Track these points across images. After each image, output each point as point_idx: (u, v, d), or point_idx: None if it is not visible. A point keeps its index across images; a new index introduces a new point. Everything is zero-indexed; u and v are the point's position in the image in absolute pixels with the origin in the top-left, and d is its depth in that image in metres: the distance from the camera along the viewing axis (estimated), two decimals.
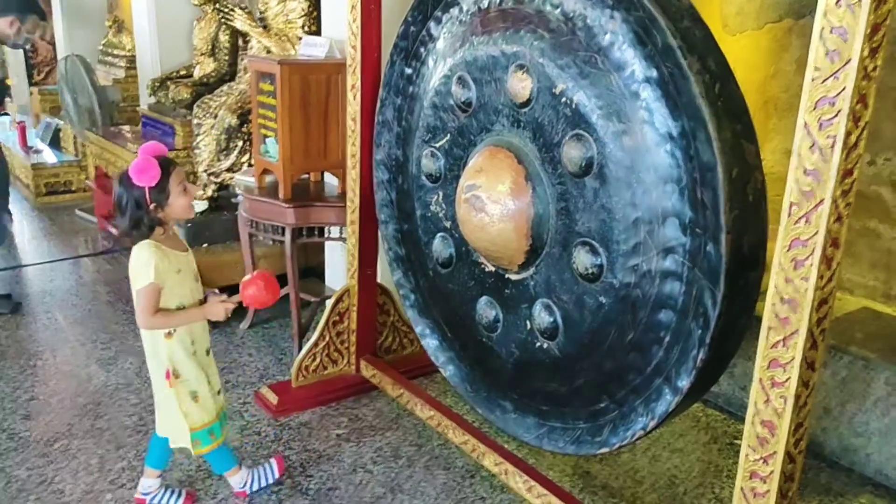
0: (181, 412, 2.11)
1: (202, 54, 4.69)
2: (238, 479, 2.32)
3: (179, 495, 2.28)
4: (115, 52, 6.47)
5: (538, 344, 2.06)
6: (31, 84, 8.27)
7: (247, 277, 2.16)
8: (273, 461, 2.41)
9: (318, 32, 3.70)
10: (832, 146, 1.31)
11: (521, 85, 1.93)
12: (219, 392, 2.23)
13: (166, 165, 1.98)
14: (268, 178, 3.30)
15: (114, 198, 2.01)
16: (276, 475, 2.39)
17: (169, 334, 2.06)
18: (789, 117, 3.05)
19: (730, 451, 2.68)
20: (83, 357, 3.26)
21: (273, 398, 2.86)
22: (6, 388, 2.98)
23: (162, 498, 2.27)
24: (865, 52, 1.26)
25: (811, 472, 2.53)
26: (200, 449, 2.17)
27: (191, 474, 2.45)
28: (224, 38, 4.50)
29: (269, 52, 3.79)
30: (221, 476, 2.35)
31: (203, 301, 2.13)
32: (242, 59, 4.33)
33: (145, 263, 1.97)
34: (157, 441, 2.22)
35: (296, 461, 2.54)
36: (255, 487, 2.34)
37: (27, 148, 6.25)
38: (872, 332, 2.61)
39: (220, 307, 2.09)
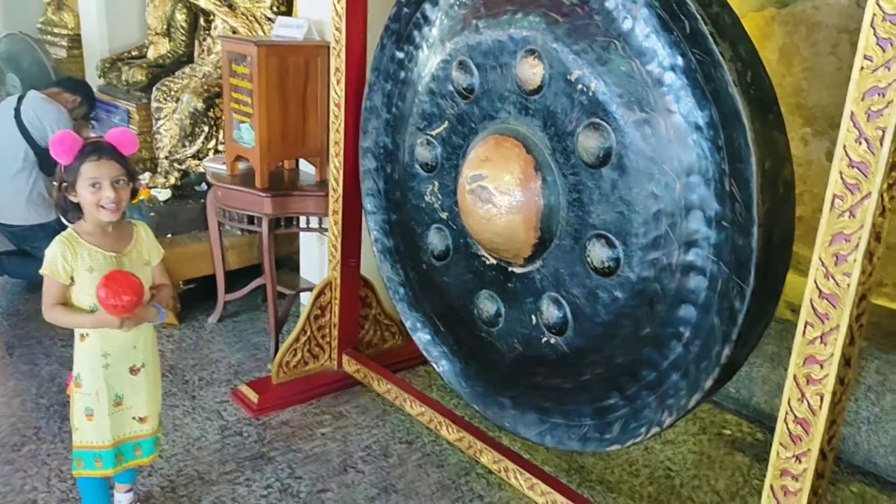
0: (72, 425, 1.95)
1: (157, 34, 4.45)
2: None
3: None
4: (56, 30, 6.12)
5: (544, 339, 2.00)
6: None
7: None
8: None
9: (287, 13, 3.55)
10: (881, 138, 1.28)
11: (531, 71, 1.86)
12: (141, 420, 1.99)
13: (88, 152, 1.79)
14: (241, 166, 3.14)
15: None
16: None
17: (82, 337, 1.90)
18: None
19: (719, 440, 2.68)
20: (42, 355, 3.06)
21: (253, 396, 2.73)
22: None
23: None
24: None
25: None
26: (80, 471, 1.95)
27: (171, 479, 2.32)
28: (181, 17, 4.27)
29: (234, 32, 3.62)
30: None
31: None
32: (203, 41, 4.13)
33: (49, 254, 1.83)
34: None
35: (282, 462, 2.43)
36: None
37: None
38: None
39: (109, 318, 1.80)
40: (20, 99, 3.66)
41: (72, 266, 1.82)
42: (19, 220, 3.54)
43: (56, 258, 1.81)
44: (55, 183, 1.88)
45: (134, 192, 1.94)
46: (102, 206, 1.80)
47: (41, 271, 1.84)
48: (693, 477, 2.47)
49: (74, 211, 1.87)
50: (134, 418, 1.97)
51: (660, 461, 2.54)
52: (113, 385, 1.91)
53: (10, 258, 3.64)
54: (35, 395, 2.76)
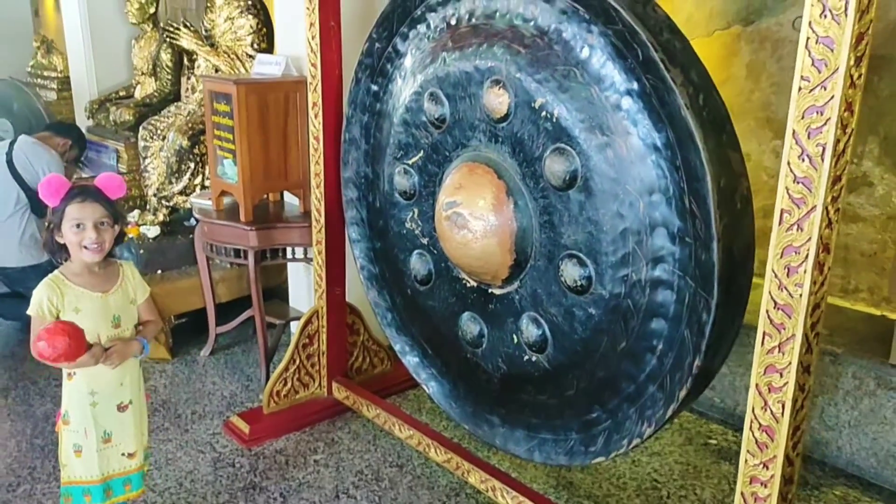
0: (60, 462, 1.99)
1: (143, 74, 4.54)
2: None
3: None
4: (46, 73, 6.22)
5: (526, 357, 2.05)
6: None
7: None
8: None
9: (268, 50, 3.64)
10: (822, 154, 1.35)
11: (497, 100, 1.93)
12: (129, 455, 2.02)
13: (74, 194, 1.86)
14: (226, 200, 3.21)
15: None
16: None
17: (69, 376, 1.95)
18: (742, 122, 3.15)
19: (705, 451, 2.73)
20: (37, 395, 3.10)
21: (244, 427, 2.77)
22: None
23: None
24: (851, 61, 1.30)
25: None
26: None
27: None
28: (166, 56, 4.36)
29: (217, 70, 3.70)
30: None
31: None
32: (188, 79, 4.22)
33: (36, 296, 1.87)
34: None
35: (275, 491, 2.47)
36: None
37: None
38: (836, 326, 2.70)
39: (85, 359, 1.82)
40: (12, 144, 3.72)
41: (57, 307, 1.87)
42: (12, 262, 3.60)
43: (42, 300, 1.86)
44: (49, 225, 1.93)
45: (121, 236, 2.00)
46: (85, 247, 1.86)
47: (28, 312, 1.89)
48: (680, 487, 2.51)
49: (61, 252, 1.93)
50: (123, 454, 2.01)
51: (646, 473, 2.58)
52: (101, 422, 1.95)
53: (3, 300, 3.68)
54: (30, 436, 2.79)
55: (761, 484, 1.56)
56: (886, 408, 2.44)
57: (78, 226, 1.86)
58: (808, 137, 1.36)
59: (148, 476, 2.40)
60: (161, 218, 3.75)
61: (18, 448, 2.72)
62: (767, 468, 1.54)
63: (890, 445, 2.46)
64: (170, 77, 4.37)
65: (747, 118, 3.12)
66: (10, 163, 3.62)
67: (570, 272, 1.84)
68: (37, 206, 3.54)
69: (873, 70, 2.67)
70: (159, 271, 3.59)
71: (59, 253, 1.94)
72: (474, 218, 1.98)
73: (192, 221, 3.76)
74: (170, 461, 2.62)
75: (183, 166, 3.67)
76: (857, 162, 2.80)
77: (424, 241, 2.30)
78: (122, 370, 1.96)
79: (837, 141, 1.34)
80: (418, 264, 2.33)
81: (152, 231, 3.68)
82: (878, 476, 2.50)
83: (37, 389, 3.15)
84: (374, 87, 2.43)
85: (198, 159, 3.66)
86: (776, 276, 1.44)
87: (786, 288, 1.43)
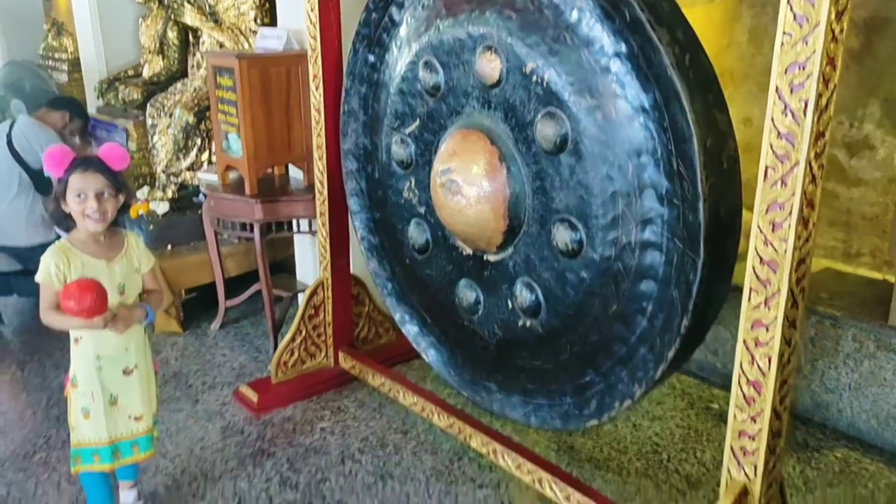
0: (70, 425, 2.05)
1: (150, 53, 4.57)
2: None
3: None
4: (57, 55, 6.27)
5: (521, 322, 2.08)
6: None
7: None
8: None
9: (271, 24, 3.65)
10: (804, 109, 1.35)
11: (490, 66, 1.94)
12: (136, 419, 2.08)
13: (76, 165, 1.92)
14: (231, 175, 3.25)
15: None
16: None
17: (76, 341, 2.01)
18: (744, 86, 3.13)
19: (707, 415, 2.75)
20: (52, 367, 3.18)
21: (253, 396, 2.83)
22: None
23: None
24: (832, 15, 1.30)
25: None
26: (79, 467, 2.05)
27: (175, 477, 2.42)
28: (172, 34, 4.38)
29: (221, 46, 3.73)
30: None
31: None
32: (193, 56, 4.25)
33: (43, 263, 1.94)
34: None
35: (282, 457, 2.53)
36: None
37: None
38: (837, 290, 2.70)
39: (92, 322, 1.89)
40: (12, 125, 3.76)
41: (64, 273, 1.93)
42: (22, 241, 3.66)
43: (49, 266, 1.93)
44: (54, 197, 1.98)
45: (126, 206, 2.04)
46: (88, 216, 1.92)
47: (36, 279, 1.94)
48: (680, 450, 2.54)
49: (67, 221, 1.98)
50: (129, 417, 2.07)
51: (647, 437, 2.61)
52: (107, 386, 2.01)
53: (17, 278, 3.75)
54: (45, 407, 2.87)
55: (749, 437, 1.58)
56: (886, 369, 2.45)
57: (80, 195, 1.91)
58: (791, 93, 1.36)
59: (160, 444, 2.47)
60: (170, 194, 3.80)
61: (34, 418, 2.80)
62: (755, 422, 1.56)
63: (890, 407, 2.47)
64: (176, 55, 4.39)
65: (749, 83, 3.11)
66: (9, 143, 3.66)
67: (562, 236, 1.86)
68: (41, 185, 3.59)
69: (873, 31, 2.64)
70: (169, 247, 3.64)
71: (64, 223, 1.99)
72: (468, 184, 2.00)
73: (201, 197, 3.81)
74: (181, 429, 2.69)
75: (190, 142, 3.71)
76: (857, 125, 2.78)
77: (422, 210, 2.32)
78: (128, 336, 2.01)
79: (820, 95, 1.34)
80: (416, 233, 2.36)
81: (162, 207, 3.73)
82: (879, 437, 2.51)
83: (52, 362, 3.22)
84: (372, 58, 2.45)
85: (204, 135, 3.70)
86: (761, 231, 1.45)
87: (771, 243, 1.45)
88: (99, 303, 1.86)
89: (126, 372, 2.04)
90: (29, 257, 3.68)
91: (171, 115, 3.78)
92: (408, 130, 2.30)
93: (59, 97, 4.36)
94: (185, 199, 3.88)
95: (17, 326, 3.64)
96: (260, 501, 2.31)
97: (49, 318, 1.95)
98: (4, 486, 2.39)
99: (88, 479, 2.12)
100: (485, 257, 2.14)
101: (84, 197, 1.91)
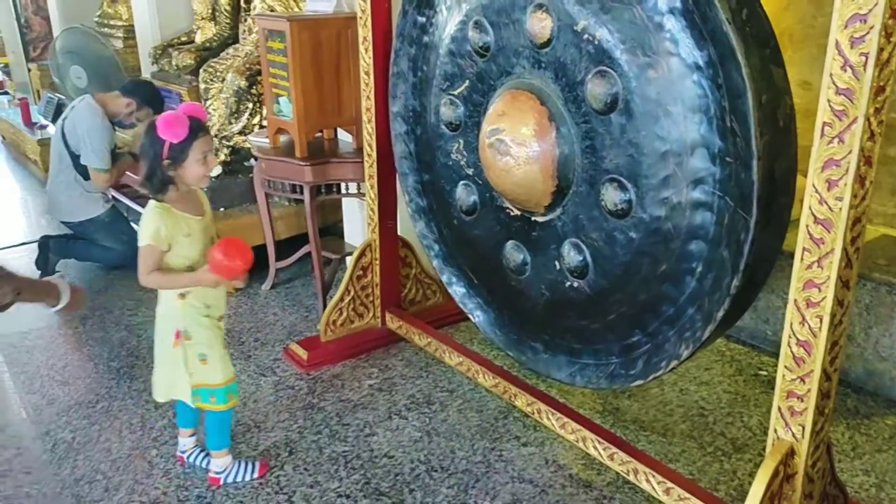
0: (186, 372, 2.12)
1: (203, 19, 4.64)
2: (221, 463, 2.26)
3: (253, 468, 2.29)
4: (112, 22, 6.40)
5: (568, 283, 2.09)
6: (28, 61, 8.19)
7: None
8: (257, 464, 2.31)
9: None
10: (864, 64, 1.32)
11: (540, 25, 1.93)
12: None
13: (196, 128, 1.99)
14: (282, 138, 3.30)
15: (139, 145, 2.05)
16: (255, 476, 2.28)
17: (182, 296, 2.08)
18: (804, 49, 3.04)
19: (755, 381, 2.73)
20: (112, 324, 3.31)
21: (303, 353, 2.91)
22: (41, 356, 3.04)
23: (237, 473, 2.27)
24: None
25: (837, 398, 2.58)
26: (218, 405, 2.15)
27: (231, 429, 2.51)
28: (224, 0, 4.45)
29: (272, 10, 3.76)
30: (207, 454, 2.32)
31: None
32: (244, 22, 4.30)
33: (146, 226, 2.01)
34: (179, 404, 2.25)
35: (331, 411, 2.61)
36: (230, 480, 2.26)
37: (31, 124, 6.23)
38: (894, 257, 2.63)
39: (209, 277, 2.01)
40: (73, 107, 3.83)
41: (170, 233, 2.01)
42: (69, 217, 3.80)
43: (158, 229, 2.00)
44: (154, 161, 1.98)
45: None
46: (206, 176, 2.04)
47: (140, 243, 2.02)
48: (727, 415, 2.53)
49: (166, 186, 2.01)
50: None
51: (694, 401, 2.61)
52: (216, 332, 2.14)
53: (75, 243, 3.89)
54: (107, 359, 3.00)
55: (798, 398, 1.58)
56: None
57: (204, 157, 2.00)
58: (852, 47, 1.33)
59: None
60: (223, 158, 3.88)
61: (96, 370, 2.93)
62: (804, 382, 1.55)
63: None
64: (228, 21, 4.45)
65: (809, 45, 3.01)
66: (63, 123, 3.76)
67: (611, 196, 1.86)
68: (78, 166, 3.69)
69: None
70: (222, 209, 3.74)
71: (163, 188, 2.02)
72: (517, 144, 2.01)
73: (252, 161, 3.89)
74: None
75: (241, 106, 3.77)
76: None
77: (470, 171, 2.34)
78: (223, 287, 2.13)
79: (881, 49, 1.31)
80: (464, 195, 2.38)
81: (215, 171, 3.80)
82: None
83: (112, 318, 3.36)
84: (421, 19, 2.45)
85: (255, 99, 3.76)
86: (816, 190, 1.43)
87: (826, 202, 1.43)
88: (244, 268, 2.00)
89: (220, 319, 2.17)
90: (79, 231, 3.82)
91: (223, 80, 3.85)
92: (457, 91, 2.30)
93: (133, 82, 4.18)
94: (238, 163, 3.96)
95: (79, 284, 3.78)
96: (311, 452, 2.39)
97: (154, 279, 2.04)
98: (70, 431, 2.52)
99: (218, 422, 2.23)
100: (532, 218, 2.15)
101: (206, 157, 2.01)
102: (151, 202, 2.05)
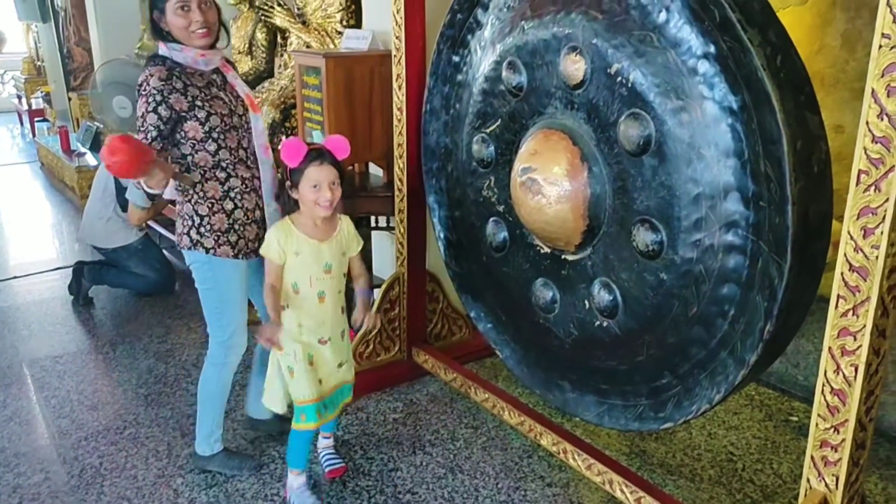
0: (279, 377, 2.21)
1: (240, 53, 4.75)
2: (295, 482, 2.29)
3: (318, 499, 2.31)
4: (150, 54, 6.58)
5: (598, 323, 2.08)
6: (68, 90, 8.43)
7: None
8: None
9: (356, 26, 3.74)
10: None
11: (574, 67, 1.95)
12: (339, 365, 2.27)
13: (313, 157, 2.06)
14: None
15: None
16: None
17: (283, 308, 2.16)
18: (836, 93, 3.03)
19: (785, 427, 2.68)
20: (141, 351, 3.35)
21: None
22: (70, 382, 3.08)
23: (302, 499, 2.28)
24: None
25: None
26: (305, 424, 2.19)
27: (256, 459, 2.51)
28: (261, 35, 4.55)
29: (308, 47, 3.84)
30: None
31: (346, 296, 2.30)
32: (280, 57, 4.39)
33: (269, 238, 2.13)
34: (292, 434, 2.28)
35: (355, 445, 2.60)
36: (295, 502, 2.28)
37: (70, 152, 6.39)
38: None
39: (268, 331, 2.08)
40: None
41: (284, 248, 2.09)
42: (103, 243, 3.90)
43: (273, 241, 2.11)
44: (286, 183, 2.13)
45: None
46: (319, 204, 2.07)
47: (261, 251, 2.14)
48: (756, 461, 2.48)
49: (293, 206, 2.14)
50: (338, 366, 2.28)
51: (722, 446, 2.56)
52: (305, 348, 2.18)
53: (108, 270, 3.97)
54: (135, 386, 3.03)
55: (832, 448, 1.55)
56: None
57: (315, 186, 2.06)
58: (888, 96, 1.33)
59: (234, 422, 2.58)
60: None
61: (125, 397, 2.95)
62: (838, 432, 1.53)
63: None
64: (264, 56, 4.56)
65: (841, 89, 3.01)
66: None
67: (643, 237, 1.86)
68: (121, 198, 3.79)
69: None
70: None
71: (291, 207, 2.15)
72: (549, 184, 2.02)
73: None
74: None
75: (275, 139, 3.84)
76: None
77: (500, 208, 2.35)
78: (324, 311, 2.19)
79: None
80: (494, 231, 2.39)
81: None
82: None
83: (141, 346, 3.40)
84: (455, 58, 2.49)
85: (289, 132, 3.83)
86: (852, 237, 1.42)
87: (861, 250, 1.41)
88: (128, 159, 1.88)
89: (321, 342, 2.21)
90: (113, 258, 3.91)
91: None
92: (489, 130, 2.33)
93: None
94: None
95: (110, 311, 3.84)
96: (334, 485, 2.38)
97: (265, 291, 2.13)
98: (98, 457, 2.54)
99: (301, 441, 2.26)
100: (563, 256, 2.15)
101: (318, 187, 2.05)
102: (279, 219, 2.19)
